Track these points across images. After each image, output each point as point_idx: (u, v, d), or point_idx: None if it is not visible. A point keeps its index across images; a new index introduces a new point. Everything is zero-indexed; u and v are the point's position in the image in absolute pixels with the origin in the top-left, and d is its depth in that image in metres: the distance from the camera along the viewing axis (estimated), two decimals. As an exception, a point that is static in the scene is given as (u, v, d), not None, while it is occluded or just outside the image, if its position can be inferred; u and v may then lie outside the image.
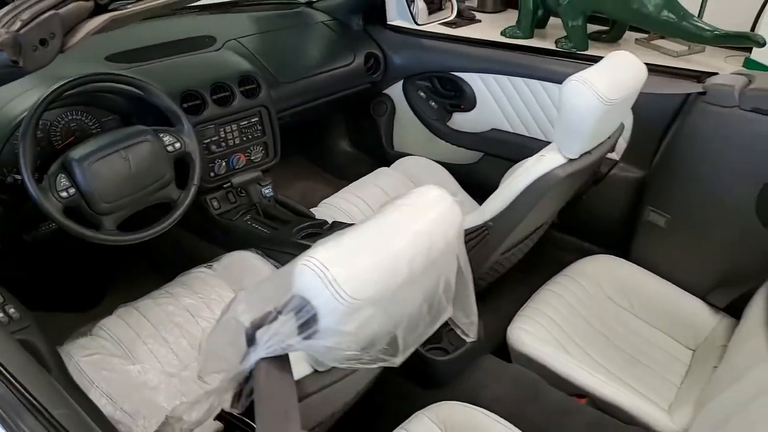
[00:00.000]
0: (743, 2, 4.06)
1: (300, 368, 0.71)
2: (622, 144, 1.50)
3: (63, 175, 1.13)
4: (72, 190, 1.13)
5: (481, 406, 1.04)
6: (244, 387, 0.67)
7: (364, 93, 1.95)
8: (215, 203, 1.54)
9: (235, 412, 0.69)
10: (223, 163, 1.52)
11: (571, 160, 1.13)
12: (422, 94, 1.89)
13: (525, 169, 1.16)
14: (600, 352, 1.26)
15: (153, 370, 1.18)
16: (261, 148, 1.59)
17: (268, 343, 0.63)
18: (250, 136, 1.56)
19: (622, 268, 1.44)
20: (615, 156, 1.52)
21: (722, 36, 3.67)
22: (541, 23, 4.89)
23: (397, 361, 0.69)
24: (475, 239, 1.24)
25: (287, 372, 0.64)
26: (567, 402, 1.12)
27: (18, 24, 0.74)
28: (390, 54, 1.91)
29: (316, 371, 0.71)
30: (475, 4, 5.67)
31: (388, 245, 0.66)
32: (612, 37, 4.78)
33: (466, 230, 1.26)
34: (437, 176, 1.79)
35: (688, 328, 1.32)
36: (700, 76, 1.33)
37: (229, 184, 1.53)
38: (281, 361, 0.63)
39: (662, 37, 4.75)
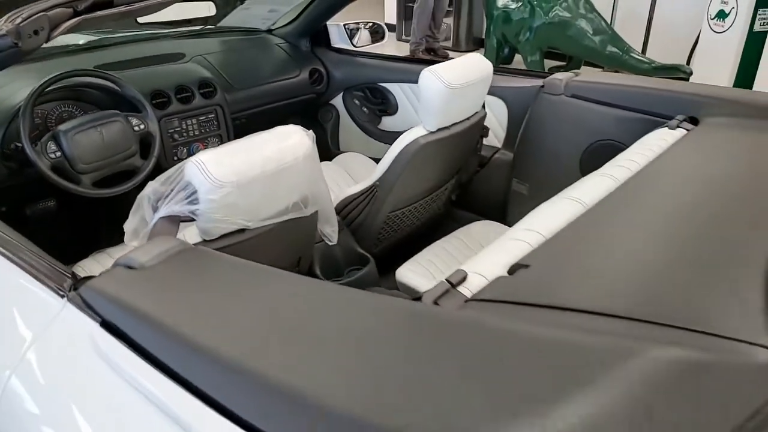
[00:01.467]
0: (681, 38, 4.52)
1: (193, 240, 1.07)
2: (502, 134, 1.87)
3: (52, 143, 1.52)
4: (58, 153, 1.51)
5: None
6: (153, 244, 1.02)
7: (312, 102, 2.35)
8: (178, 182, 1.92)
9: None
10: (185, 150, 1.91)
11: (431, 132, 1.51)
12: (357, 102, 2.29)
13: (399, 140, 1.53)
14: (467, 287, 1.60)
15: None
16: (217, 140, 1.98)
17: (165, 209, 0.99)
18: (207, 129, 1.95)
19: (498, 230, 1.78)
20: (498, 144, 1.89)
21: (659, 68, 4.13)
22: (507, 60, 5.38)
23: (251, 225, 1.05)
24: (369, 196, 1.61)
25: (175, 227, 1.00)
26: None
27: (19, 20, 1.14)
28: (332, 70, 2.32)
29: (204, 240, 1.06)
30: (450, 44, 6.19)
31: (247, 152, 1.03)
32: (569, 71, 5.22)
33: (362, 190, 1.63)
34: (366, 168, 2.17)
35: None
36: (546, 76, 1.71)
37: (188, 165, 1.91)
38: (172, 220, 1.00)
39: (617, 71, 5.22)
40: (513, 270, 0.78)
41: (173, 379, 0.63)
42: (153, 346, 0.68)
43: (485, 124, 1.79)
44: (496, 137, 1.87)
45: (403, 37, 6.23)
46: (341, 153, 2.33)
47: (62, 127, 1.53)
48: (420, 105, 1.50)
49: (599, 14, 4.41)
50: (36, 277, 0.86)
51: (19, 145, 1.50)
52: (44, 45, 1.21)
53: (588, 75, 1.62)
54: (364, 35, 2.45)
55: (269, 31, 2.43)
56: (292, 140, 1.10)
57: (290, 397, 0.55)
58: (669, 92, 1.40)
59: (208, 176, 0.96)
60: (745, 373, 0.54)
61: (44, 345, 0.79)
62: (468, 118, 1.61)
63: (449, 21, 5.80)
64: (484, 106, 1.69)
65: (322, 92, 2.33)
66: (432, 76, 1.43)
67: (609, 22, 4.70)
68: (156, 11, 1.41)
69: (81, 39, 2.08)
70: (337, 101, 2.36)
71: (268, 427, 0.55)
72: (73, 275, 0.84)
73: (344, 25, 2.32)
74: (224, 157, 1.00)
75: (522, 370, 0.56)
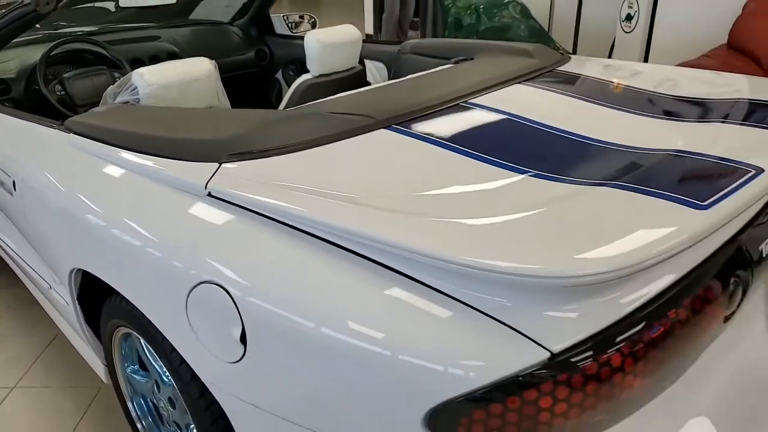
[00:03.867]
0: (602, 38, 5.19)
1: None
2: (385, 89, 2.55)
3: (58, 85, 2.24)
4: (63, 92, 2.23)
5: None
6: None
7: (260, 76, 3.06)
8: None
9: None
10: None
11: (314, 77, 2.20)
12: (292, 73, 2.99)
13: (294, 83, 2.23)
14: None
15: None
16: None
17: (119, 98, 1.69)
18: (173, 88, 2.67)
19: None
20: (383, 96, 2.57)
21: (580, 62, 4.75)
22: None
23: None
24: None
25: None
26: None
27: (38, -5, 1.86)
28: (275, 50, 3.04)
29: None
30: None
31: (170, 68, 1.73)
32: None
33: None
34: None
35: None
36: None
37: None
38: (122, 104, 1.70)
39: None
40: None
41: (119, 147, 1.31)
42: (103, 137, 1.36)
43: (369, 80, 2.48)
44: (381, 92, 2.56)
45: (379, 45, 6.99)
46: (281, 114, 3.03)
47: (65, 74, 2.26)
48: (306, 57, 2.19)
49: (535, 19, 5.11)
50: (41, 123, 1.57)
51: (37, 87, 2.23)
52: (56, 31, 1.94)
53: (426, 40, 2.31)
54: (304, 26, 3.19)
55: (230, 23, 3.16)
56: (200, 65, 1.81)
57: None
58: (465, 44, 2.09)
59: (143, 78, 1.67)
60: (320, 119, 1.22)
61: (44, 152, 1.49)
62: (346, 70, 2.30)
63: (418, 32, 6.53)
64: (363, 64, 2.38)
65: (267, 67, 3.05)
66: (312, 36, 2.13)
67: (547, 26, 5.40)
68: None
69: (86, 28, 2.82)
70: (279, 75, 3.08)
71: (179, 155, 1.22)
72: (61, 120, 1.54)
73: (283, 16, 3.05)
74: (154, 69, 1.71)
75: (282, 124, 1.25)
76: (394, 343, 0.83)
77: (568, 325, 0.81)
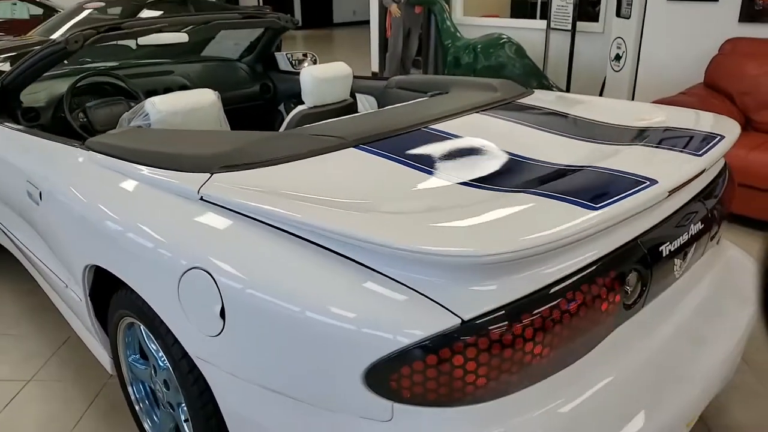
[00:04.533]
0: (594, 77, 5.43)
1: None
2: (376, 120, 2.80)
3: (81, 113, 2.51)
4: (85, 119, 2.50)
5: None
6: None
7: (264, 108, 3.33)
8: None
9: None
10: (168, 130, 2.89)
11: (309, 108, 2.45)
12: (292, 105, 3.25)
13: (290, 113, 2.48)
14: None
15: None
16: (190, 125, 2.96)
17: (133, 123, 1.94)
18: (184, 118, 2.93)
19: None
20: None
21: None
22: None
23: (176, 134, 1.99)
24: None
25: (138, 132, 1.95)
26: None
27: (68, 35, 2.14)
28: (278, 85, 3.32)
29: (154, 145, 2.00)
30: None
31: (178, 98, 1.98)
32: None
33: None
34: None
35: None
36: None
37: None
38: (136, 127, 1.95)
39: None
40: None
41: (131, 162, 1.54)
42: (118, 154, 1.60)
43: (360, 112, 2.73)
44: (372, 122, 2.80)
45: (385, 81, 7.33)
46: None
47: (88, 104, 2.53)
48: (301, 91, 2.45)
49: (529, 59, 5.38)
50: (65, 143, 1.82)
51: (63, 115, 2.50)
52: (82, 66, 2.22)
53: (410, 76, 2.56)
54: (307, 63, 3.48)
55: (238, 59, 3.46)
56: (204, 95, 2.06)
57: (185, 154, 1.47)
58: (442, 80, 2.33)
59: (154, 106, 1.92)
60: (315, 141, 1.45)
61: (67, 167, 1.73)
62: (338, 102, 2.55)
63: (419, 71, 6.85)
64: (354, 97, 2.63)
65: (271, 100, 3.32)
66: (306, 72, 2.39)
67: (542, 65, 5.68)
68: (145, 35, 2.42)
69: (108, 64, 3.12)
70: (281, 107, 3.35)
71: (180, 166, 1.44)
72: (83, 141, 1.79)
73: (287, 54, 3.34)
74: (164, 98, 1.96)
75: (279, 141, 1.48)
76: (342, 315, 1.03)
77: (482, 298, 1.01)
